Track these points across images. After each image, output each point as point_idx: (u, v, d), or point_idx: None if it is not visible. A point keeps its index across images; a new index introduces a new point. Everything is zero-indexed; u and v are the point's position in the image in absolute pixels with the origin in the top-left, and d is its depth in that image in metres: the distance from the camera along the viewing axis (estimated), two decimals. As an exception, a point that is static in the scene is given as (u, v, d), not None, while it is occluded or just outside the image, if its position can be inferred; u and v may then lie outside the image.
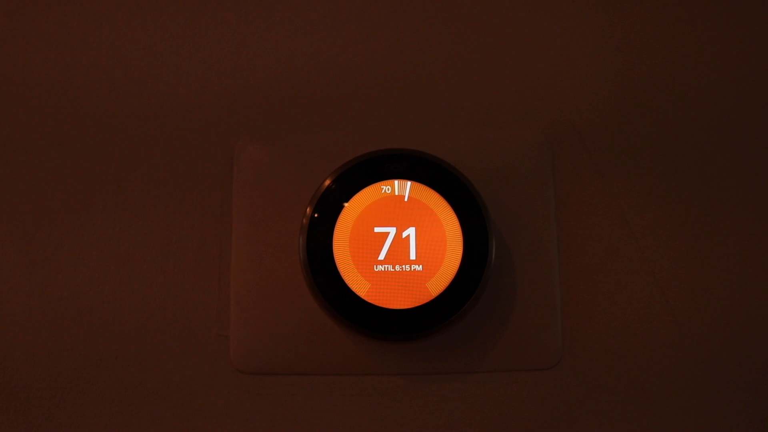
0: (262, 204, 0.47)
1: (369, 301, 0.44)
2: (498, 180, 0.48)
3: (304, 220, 0.45)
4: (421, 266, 0.44)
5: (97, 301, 0.47)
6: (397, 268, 0.44)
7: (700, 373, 0.47)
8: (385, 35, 0.50)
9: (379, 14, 0.50)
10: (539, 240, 0.47)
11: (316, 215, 0.45)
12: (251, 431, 0.46)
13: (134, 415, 0.46)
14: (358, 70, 0.50)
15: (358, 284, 0.44)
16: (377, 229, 0.45)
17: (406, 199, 0.45)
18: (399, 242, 0.45)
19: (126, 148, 0.49)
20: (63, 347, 0.47)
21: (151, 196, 0.48)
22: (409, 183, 0.45)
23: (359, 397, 0.47)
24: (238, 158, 0.48)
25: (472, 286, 0.45)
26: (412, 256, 0.45)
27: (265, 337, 0.46)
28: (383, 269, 0.44)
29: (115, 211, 0.48)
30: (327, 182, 0.45)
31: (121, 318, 0.47)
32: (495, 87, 0.49)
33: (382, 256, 0.45)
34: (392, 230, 0.45)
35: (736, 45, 0.50)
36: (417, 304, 0.44)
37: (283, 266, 0.47)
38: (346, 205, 0.45)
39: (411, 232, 0.45)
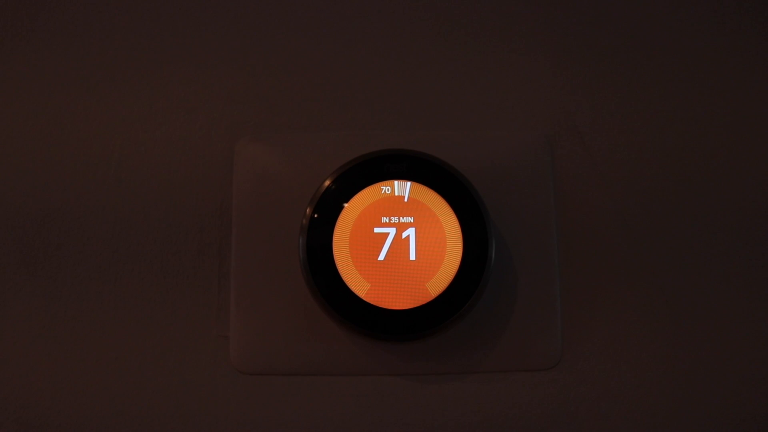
0: (262, 204, 0.48)
1: (369, 301, 0.44)
2: (498, 180, 0.48)
3: (304, 221, 0.45)
4: (420, 267, 0.44)
5: (97, 301, 0.47)
6: (397, 268, 0.44)
7: (699, 372, 0.47)
8: (385, 35, 0.50)
9: (380, 14, 0.50)
10: (539, 240, 0.47)
11: (316, 215, 0.45)
12: (251, 431, 0.46)
13: (134, 415, 0.46)
14: (358, 70, 0.50)
15: (358, 284, 0.44)
16: (377, 230, 0.45)
17: (406, 200, 0.45)
18: (399, 242, 0.45)
19: (126, 148, 0.49)
20: (62, 348, 0.47)
21: (152, 197, 0.48)
22: (409, 183, 0.45)
23: (359, 397, 0.47)
24: (238, 158, 0.48)
25: (472, 286, 0.45)
26: (412, 257, 0.45)
27: (265, 337, 0.47)
28: (383, 269, 0.44)
29: (115, 212, 0.48)
30: (327, 182, 0.45)
31: (121, 318, 0.47)
32: (495, 87, 0.49)
33: (381, 257, 0.45)
34: (392, 230, 0.45)
35: (739, 44, 0.50)
36: (417, 305, 0.44)
37: (283, 266, 0.47)
38: (346, 205, 0.45)
39: (411, 232, 0.45)
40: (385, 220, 0.45)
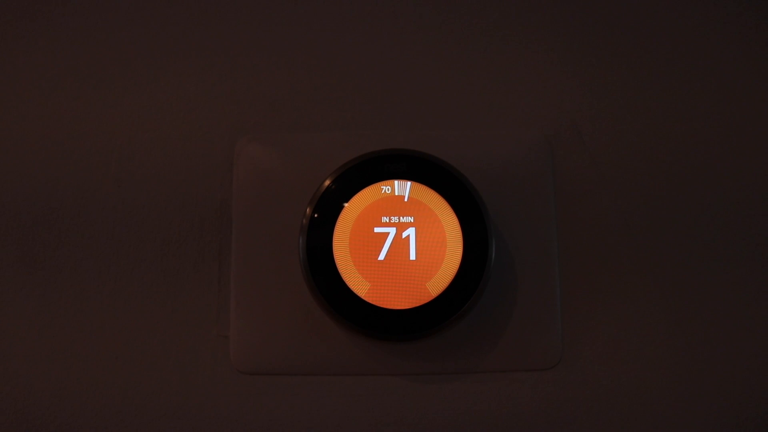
0: (262, 204, 0.48)
1: (369, 301, 0.44)
2: (498, 180, 0.48)
3: (304, 220, 0.45)
4: (420, 266, 0.44)
5: (97, 302, 0.47)
6: (397, 268, 0.44)
7: (699, 373, 0.47)
8: (385, 35, 0.50)
9: (380, 14, 0.50)
10: (539, 240, 0.47)
11: (316, 215, 0.45)
12: (251, 431, 0.46)
13: (134, 415, 0.46)
14: (358, 70, 0.50)
15: (358, 284, 0.44)
16: (377, 229, 0.45)
17: (406, 200, 0.45)
18: (399, 242, 0.45)
19: (126, 148, 0.49)
20: (62, 347, 0.47)
21: (151, 196, 0.48)
22: (409, 183, 0.45)
23: (359, 397, 0.47)
24: (238, 158, 0.48)
25: (472, 286, 0.45)
26: (412, 257, 0.45)
27: (265, 337, 0.47)
28: (383, 269, 0.44)
29: (115, 211, 0.48)
30: (327, 182, 0.45)
31: (121, 318, 0.47)
32: (495, 87, 0.49)
33: (382, 257, 0.45)
34: (392, 230, 0.45)
35: (739, 43, 0.50)
36: (417, 304, 0.44)
37: (283, 266, 0.47)
38: (346, 205, 0.45)
39: (411, 232, 0.45)
40: (385, 219, 0.45)
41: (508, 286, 0.47)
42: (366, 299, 0.44)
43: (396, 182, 0.45)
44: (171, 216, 0.48)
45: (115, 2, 0.50)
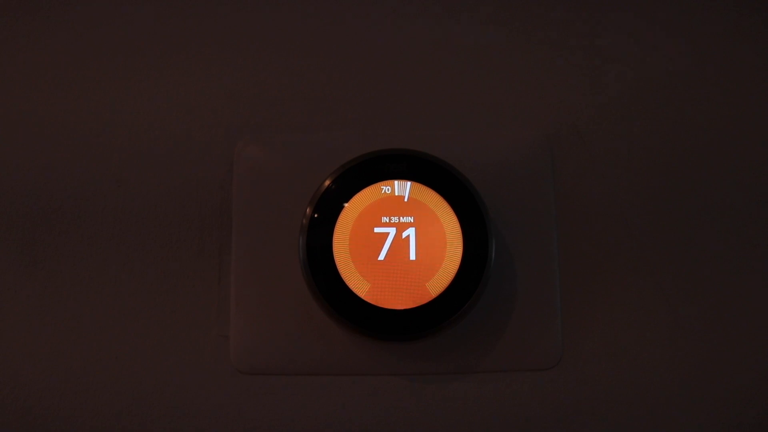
0: (262, 204, 0.48)
1: (369, 301, 0.44)
2: (498, 180, 0.48)
3: (304, 220, 0.45)
4: (421, 267, 0.44)
5: (96, 301, 0.47)
6: (397, 268, 0.44)
7: (700, 373, 0.47)
8: (385, 35, 0.50)
9: (379, 14, 0.50)
10: (539, 240, 0.47)
11: (316, 215, 0.45)
12: (251, 431, 0.46)
13: (134, 415, 0.46)
14: (358, 69, 0.50)
15: (358, 284, 0.44)
16: (377, 230, 0.45)
17: (406, 200, 0.45)
18: (399, 242, 0.45)
19: (126, 148, 0.49)
20: (62, 347, 0.47)
21: (151, 196, 0.48)
22: (409, 183, 0.45)
23: (359, 397, 0.47)
24: (238, 158, 0.48)
25: (472, 286, 0.45)
26: (412, 257, 0.45)
27: (265, 337, 0.47)
28: (383, 269, 0.44)
29: (115, 211, 0.48)
30: (327, 182, 0.45)
31: (121, 318, 0.47)
32: (495, 87, 0.49)
33: (381, 257, 0.45)
34: (392, 230, 0.45)
35: (738, 43, 0.50)
36: (417, 305, 0.44)
37: (283, 266, 0.47)
38: (346, 205, 0.45)
39: (411, 232, 0.45)
40: (385, 219, 0.45)
41: (508, 286, 0.47)
42: (366, 299, 0.44)
43: (396, 182, 0.45)
44: (171, 216, 0.48)
45: (116, 2, 0.50)
